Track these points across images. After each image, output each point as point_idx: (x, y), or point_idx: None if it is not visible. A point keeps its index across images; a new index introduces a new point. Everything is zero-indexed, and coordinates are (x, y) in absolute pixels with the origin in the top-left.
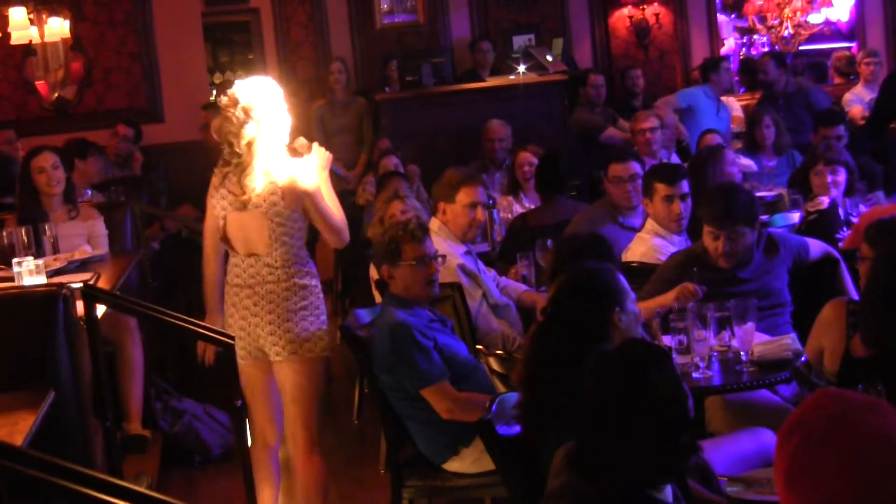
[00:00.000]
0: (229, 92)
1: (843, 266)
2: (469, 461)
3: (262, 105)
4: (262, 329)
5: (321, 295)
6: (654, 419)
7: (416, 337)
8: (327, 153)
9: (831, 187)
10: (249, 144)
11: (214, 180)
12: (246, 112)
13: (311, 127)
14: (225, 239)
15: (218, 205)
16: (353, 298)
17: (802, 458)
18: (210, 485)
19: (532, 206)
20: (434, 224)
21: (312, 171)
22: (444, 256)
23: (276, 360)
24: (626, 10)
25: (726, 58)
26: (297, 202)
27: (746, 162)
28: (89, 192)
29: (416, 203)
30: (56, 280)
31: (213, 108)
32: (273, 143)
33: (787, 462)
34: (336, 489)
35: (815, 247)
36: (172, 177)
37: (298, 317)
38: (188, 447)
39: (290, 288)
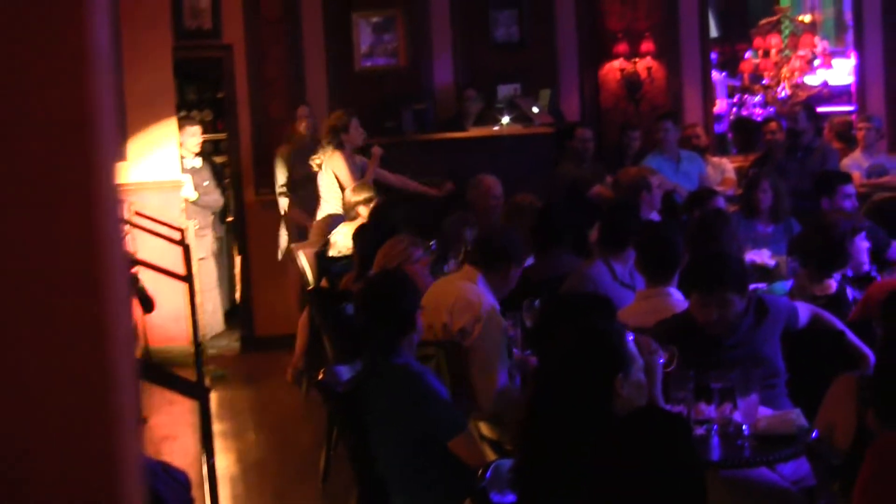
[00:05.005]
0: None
1: (844, 330)
2: None
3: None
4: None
5: None
6: (671, 490)
7: (435, 385)
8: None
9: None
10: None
11: (337, 154)
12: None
13: (276, 171)
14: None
15: (349, 168)
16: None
17: None
18: None
19: None
20: (473, 273)
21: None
22: None
23: None
24: (618, 63)
25: (671, 115)
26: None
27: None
28: None
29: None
30: None
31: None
32: (354, 143)
33: None
34: None
35: (803, 311)
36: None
37: None
38: None
39: None
